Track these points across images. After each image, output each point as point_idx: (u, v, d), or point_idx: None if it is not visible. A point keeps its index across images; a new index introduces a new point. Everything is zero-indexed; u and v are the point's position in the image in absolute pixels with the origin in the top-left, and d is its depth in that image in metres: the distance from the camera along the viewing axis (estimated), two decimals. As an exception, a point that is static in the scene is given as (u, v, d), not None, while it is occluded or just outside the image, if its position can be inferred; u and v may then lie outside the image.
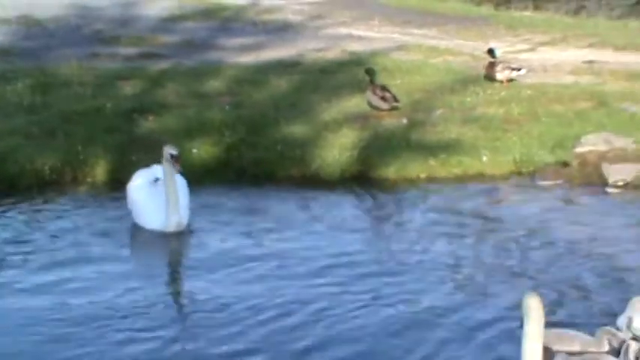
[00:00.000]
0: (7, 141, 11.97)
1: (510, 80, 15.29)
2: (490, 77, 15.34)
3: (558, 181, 11.88)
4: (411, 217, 10.69)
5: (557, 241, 9.85)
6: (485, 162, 12.20)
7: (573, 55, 18.38)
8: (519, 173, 12.13)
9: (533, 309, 5.93)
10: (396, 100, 13.59)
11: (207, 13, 23.27)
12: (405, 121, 13.45)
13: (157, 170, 10.14)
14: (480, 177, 12.03)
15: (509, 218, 10.59)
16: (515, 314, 7.40)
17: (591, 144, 12.43)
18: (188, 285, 8.84)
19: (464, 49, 18.87)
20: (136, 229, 9.96)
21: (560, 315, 7.81)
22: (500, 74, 15.23)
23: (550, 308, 7.33)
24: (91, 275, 8.74)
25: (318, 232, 10.07)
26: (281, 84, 15.36)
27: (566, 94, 14.63)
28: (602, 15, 24.78)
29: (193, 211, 10.06)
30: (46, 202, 10.90)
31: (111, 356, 7.15)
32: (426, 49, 18.76)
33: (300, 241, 9.79)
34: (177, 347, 7.37)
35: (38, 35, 19.59)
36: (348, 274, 8.85)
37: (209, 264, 9.04)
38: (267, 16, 23.00)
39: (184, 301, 8.55)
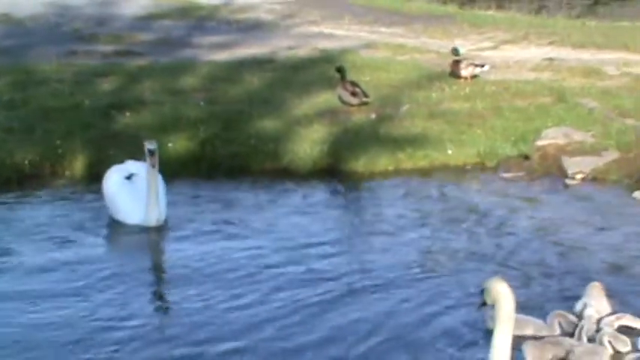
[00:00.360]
0: (-12, 136, 11.89)
1: (474, 77, 15.33)
2: (455, 74, 15.36)
3: (520, 173, 11.92)
4: (379, 207, 10.70)
5: (519, 228, 9.93)
6: (450, 155, 12.23)
7: (534, 52, 18.45)
8: (483, 166, 12.16)
9: (503, 294, 5.88)
10: (365, 95, 13.60)
11: (183, 12, 23.20)
12: (373, 116, 13.46)
13: (131, 166, 10.08)
14: (446, 169, 12.06)
15: (473, 208, 10.63)
16: (475, 296, 7.51)
17: (551, 138, 12.48)
18: (168, 277, 8.81)
19: (430, 46, 18.90)
20: (114, 224, 9.89)
21: (520, 298, 7.83)
22: (465, 71, 15.26)
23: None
24: (68, 267, 8.70)
25: (291, 223, 10.06)
26: (254, 81, 15.32)
27: (527, 90, 14.68)
28: (561, 14, 24.89)
29: (169, 204, 10.01)
30: (25, 195, 10.83)
31: (92, 350, 7.09)
32: (394, 46, 18.78)
33: (273, 230, 9.79)
34: (157, 335, 7.39)
35: (18, 34, 19.44)
36: (320, 261, 8.92)
37: (187, 257, 9.00)
38: (240, 15, 22.95)
39: (165, 292, 8.52)
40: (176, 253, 9.26)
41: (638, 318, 7.47)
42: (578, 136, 12.47)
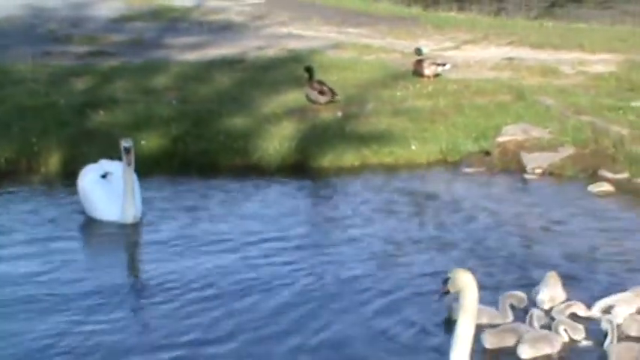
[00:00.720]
0: (-35, 134, 11.79)
1: (437, 75, 15.37)
2: (418, 73, 15.40)
3: (481, 169, 11.98)
4: (346, 201, 10.75)
5: (481, 220, 10.01)
6: (414, 151, 12.27)
7: (494, 52, 18.51)
8: (446, 161, 12.21)
9: (468, 284, 5.89)
10: (334, 93, 13.60)
11: (155, 14, 23.06)
12: (340, 114, 13.46)
13: (105, 165, 10.02)
14: (410, 165, 12.09)
15: (437, 201, 10.70)
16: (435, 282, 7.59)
17: (510, 134, 12.54)
18: (145, 270, 8.74)
19: (395, 47, 18.92)
20: (90, 222, 9.81)
21: (481, 286, 7.89)
22: (428, 70, 15.30)
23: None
24: (45, 261, 8.66)
25: (260, 216, 10.06)
26: (224, 80, 15.28)
27: (487, 88, 14.73)
28: (520, 16, 24.99)
29: (143, 200, 9.97)
30: (1, 190, 10.77)
31: (72, 346, 7.01)
32: (360, 47, 18.78)
33: (244, 224, 9.78)
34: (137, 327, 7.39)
35: (-7, 34, 19.29)
36: (289, 252, 8.99)
37: (162, 250, 9.00)
38: (211, 17, 22.86)
39: (142, 283, 8.46)
40: (151, 247, 9.21)
41: (587, 306, 7.53)
42: (536, 132, 12.54)
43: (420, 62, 15.42)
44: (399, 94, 14.57)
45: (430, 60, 15.66)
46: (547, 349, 6.94)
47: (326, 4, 26.16)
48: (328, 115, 13.39)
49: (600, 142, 12.11)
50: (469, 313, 5.87)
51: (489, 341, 6.97)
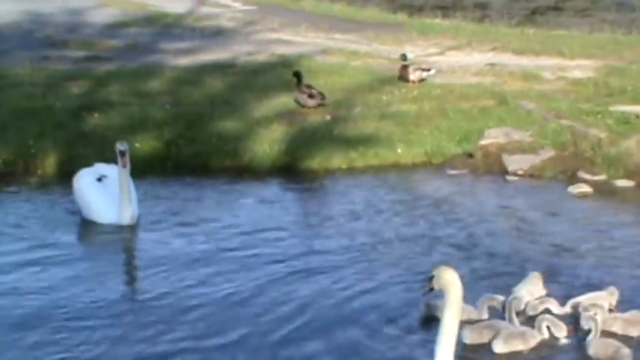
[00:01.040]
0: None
1: (422, 80, 15.37)
2: (404, 78, 15.40)
3: (465, 170, 12.00)
4: (333, 202, 10.77)
5: (464, 220, 10.03)
6: (399, 153, 12.28)
7: (477, 58, 18.53)
8: (430, 163, 12.23)
9: (452, 282, 5.87)
10: (323, 97, 13.59)
11: (150, 20, 22.99)
12: (328, 117, 13.46)
13: (100, 168, 9.97)
14: (396, 167, 12.11)
15: (421, 201, 10.71)
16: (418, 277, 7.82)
17: (493, 137, 12.57)
18: (142, 271, 8.72)
19: (381, 52, 18.91)
20: (87, 223, 9.75)
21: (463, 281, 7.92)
22: (413, 75, 15.31)
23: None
24: (42, 261, 8.64)
25: (251, 216, 10.06)
26: (216, 84, 15.25)
27: (471, 93, 14.74)
28: (502, 23, 24.98)
29: (139, 202, 9.92)
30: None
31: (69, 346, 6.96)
32: (348, 52, 18.76)
33: (236, 223, 9.79)
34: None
35: (-8, 39, 19.22)
36: (278, 248, 9.08)
37: (158, 251, 8.98)
38: (204, 23, 22.80)
39: (139, 284, 8.49)
40: (149, 245, 9.20)
41: (561, 304, 7.55)
42: (517, 135, 12.56)
43: (405, 68, 15.43)
44: (385, 98, 14.57)
45: (415, 65, 15.68)
46: (520, 346, 6.94)
47: (315, 11, 26.15)
48: (317, 118, 13.39)
49: (579, 145, 12.14)
50: (453, 309, 5.85)
51: (468, 337, 6.98)
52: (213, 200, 10.64)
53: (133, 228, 9.60)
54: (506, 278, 8.21)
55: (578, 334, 7.08)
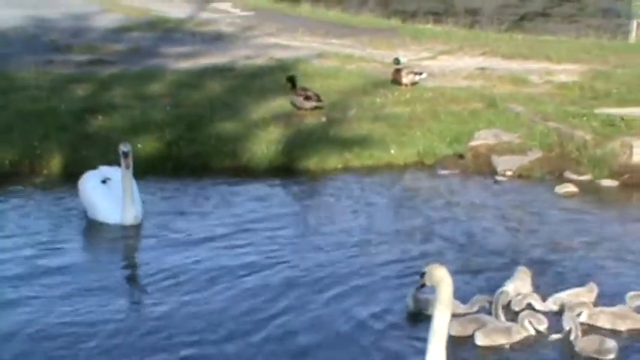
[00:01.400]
0: (-29, 137, 11.72)
1: (414, 84, 15.39)
2: (396, 81, 15.41)
3: (455, 171, 12.01)
4: (329, 200, 10.76)
5: (454, 219, 10.03)
6: (393, 154, 12.29)
7: (468, 62, 18.57)
8: (422, 164, 12.24)
9: (443, 279, 5.88)
10: (319, 98, 13.59)
11: (151, 25, 23.01)
12: (323, 119, 13.46)
13: (104, 171, 9.93)
14: (389, 167, 12.12)
15: (413, 200, 10.71)
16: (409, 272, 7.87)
17: (483, 138, 12.58)
18: (146, 269, 8.63)
19: (375, 56, 18.94)
20: (92, 223, 9.68)
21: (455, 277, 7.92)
22: (405, 78, 15.32)
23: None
24: (46, 259, 8.60)
25: (249, 215, 10.02)
26: (216, 87, 15.25)
27: (461, 96, 14.77)
28: (492, 28, 25.05)
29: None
30: (6, 191, 10.69)
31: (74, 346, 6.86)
32: (343, 56, 18.79)
33: (235, 222, 9.76)
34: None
35: (-1, 44, 19.20)
36: (278, 245, 9.06)
37: (162, 249, 8.94)
38: (204, 28, 22.83)
39: (143, 281, 8.45)
40: (151, 246, 9.14)
41: (544, 299, 7.56)
42: (506, 137, 12.58)
43: (398, 71, 15.44)
44: (378, 100, 14.58)
45: (408, 69, 15.69)
46: (502, 340, 6.92)
47: (311, 17, 26.20)
48: (313, 120, 13.39)
49: (565, 147, 12.16)
50: (444, 305, 5.86)
51: (455, 329, 6.97)
52: (213, 199, 10.62)
53: (136, 227, 9.54)
54: (494, 273, 8.22)
55: (562, 330, 7.06)
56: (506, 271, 8.10)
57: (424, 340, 5.93)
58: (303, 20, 25.17)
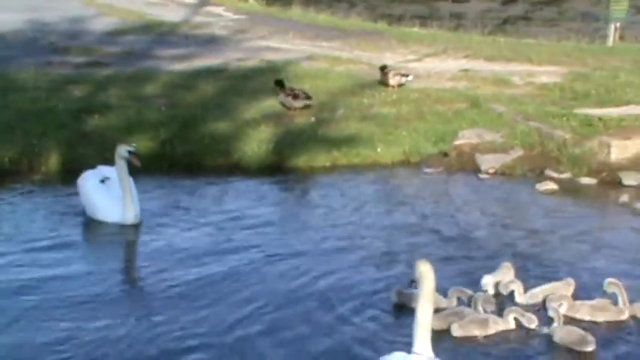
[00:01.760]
0: (-29, 136, 11.68)
1: (400, 85, 15.38)
2: (383, 83, 15.41)
3: (440, 169, 12.02)
4: (317, 197, 10.77)
5: (439, 214, 10.05)
6: (379, 153, 12.29)
7: (452, 64, 18.57)
8: (408, 162, 12.25)
9: (425, 273, 5.87)
10: (307, 96, 13.57)
11: (146, 28, 22.93)
12: (312, 119, 13.45)
13: (103, 170, 9.87)
14: (376, 165, 12.12)
15: (399, 197, 10.72)
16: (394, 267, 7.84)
17: (466, 138, 12.60)
18: (145, 266, 8.60)
19: (363, 59, 18.92)
20: (90, 220, 9.62)
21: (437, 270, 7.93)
22: (392, 80, 15.32)
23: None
24: (48, 258, 8.57)
25: (241, 211, 10.02)
26: (209, 88, 15.21)
27: (446, 97, 14.77)
28: (476, 32, 25.08)
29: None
30: (5, 187, 10.68)
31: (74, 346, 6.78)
32: (331, 58, 18.77)
33: (228, 217, 9.77)
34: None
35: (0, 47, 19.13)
36: (269, 240, 9.04)
37: (160, 247, 8.90)
38: (197, 31, 22.76)
39: (143, 281, 8.45)
40: (150, 244, 9.09)
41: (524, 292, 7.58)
42: (489, 136, 12.60)
43: (385, 73, 15.44)
44: (366, 101, 14.58)
45: (395, 71, 15.69)
46: (476, 332, 6.93)
47: (301, 20, 26.16)
48: (302, 119, 13.38)
49: (546, 146, 12.19)
50: (426, 299, 5.87)
51: (435, 323, 6.95)
52: (205, 195, 10.61)
53: (136, 227, 9.45)
54: (476, 266, 8.24)
55: (542, 321, 7.08)
56: (488, 265, 8.13)
57: (408, 333, 5.93)
58: (293, 24, 25.13)
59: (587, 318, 7.22)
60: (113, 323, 7.07)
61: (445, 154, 12.29)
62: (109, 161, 9.85)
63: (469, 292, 7.51)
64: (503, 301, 7.48)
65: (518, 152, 12.15)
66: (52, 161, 11.46)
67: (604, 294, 7.42)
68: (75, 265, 8.31)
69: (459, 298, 7.45)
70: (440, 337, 6.74)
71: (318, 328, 7.03)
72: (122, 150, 9.34)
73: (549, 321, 7.04)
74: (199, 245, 8.87)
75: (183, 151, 11.89)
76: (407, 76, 15.58)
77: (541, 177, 11.54)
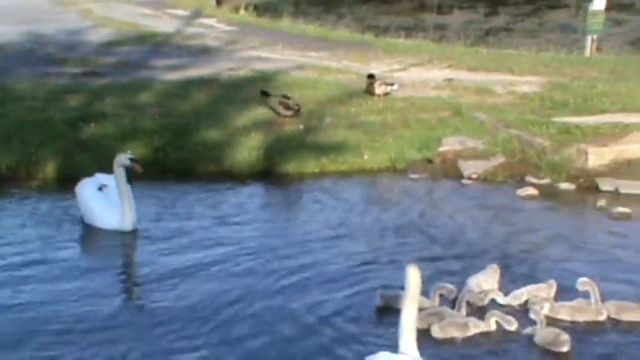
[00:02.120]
0: (-30, 145, 11.64)
1: (386, 94, 15.39)
2: (370, 92, 15.42)
3: (425, 174, 12.04)
4: (306, 201, 10.78)
5: (424, 218, 10.06)
6: (366, 159, 12.31)
7: (436, 74, 18.60)
8: (394, 168, 12.26)
9: (411, 276, 5.88)
10: (298, 107, 13.56)
11: (141, 39, 22.90)
12: (301, 126, 13.45)
13: (100, 178, 9.83)
14: (363, 171, 12.13)
15: (386, 202, 10.74)
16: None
17: (450, 145, 12.63)
18: (143, 268, 8.69)
19: (350, 68, 18.94)
20: (91, 229, 9.56)
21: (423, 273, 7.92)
22: (378, 89, 15.33)
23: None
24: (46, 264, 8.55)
25: (232, 216, 10.03)
26: (201, 97, 15.20)
27: (430, 105, 14.80)
28: (459, 42, 25.13)
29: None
30: (3, 194, 10.66)
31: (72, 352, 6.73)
32: (320, 68, 18.78)
33: (219, 222, 9.79)
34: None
35: (-3, 57, 19.07)
36: (259, 243, 9.03)
37: (156, 250, 8.90)
38: (190, 42, 22.75)
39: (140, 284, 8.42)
40: (146, 247, 9.12)
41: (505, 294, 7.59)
42: (471, 143, 12.63)
43: (371, 82, 15.45)
44: (353, 110, 14.59)
45: (381, 80, 15.71)
46: (456, 333, 6.92)
47: (291, 32, 26.17)
48: (291, 127, 13.38)
49: (526, 152, 12.23)
50: (411, 301, 5.87)
51: (418, 323, 6.94)
52: (198, 201, 10.60)
53: (133, 233, 9.39)
54: (458, 268, 8.27)
55: (523, 323, 7.09)
56: (473, 265, 8.15)
57: (392, 335, 5.94)
58: (283, 35, 25.15)
59: (567, 319, 7.24)
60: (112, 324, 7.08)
61: (429, 161, 12.31)
62: (106, 169, 9.83)
63: (450, 286, 7.51)
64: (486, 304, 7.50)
65: (500, 159, 12.19)
66: (49, 169, 11.43)
67: (577, 292, 7.44)
68: (70, 274, 8.23)
69: (441, 295, 7.45)
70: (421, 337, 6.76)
71: (303, 330, 7.01)
72: (123, 158, 9.30)
73: (531, 322, 7.05)
74: (191, 249, 8.84)
75: (177, 158, 11.88)
76: (392, 85, 15.59)
77: (521, 182, 11.57)
